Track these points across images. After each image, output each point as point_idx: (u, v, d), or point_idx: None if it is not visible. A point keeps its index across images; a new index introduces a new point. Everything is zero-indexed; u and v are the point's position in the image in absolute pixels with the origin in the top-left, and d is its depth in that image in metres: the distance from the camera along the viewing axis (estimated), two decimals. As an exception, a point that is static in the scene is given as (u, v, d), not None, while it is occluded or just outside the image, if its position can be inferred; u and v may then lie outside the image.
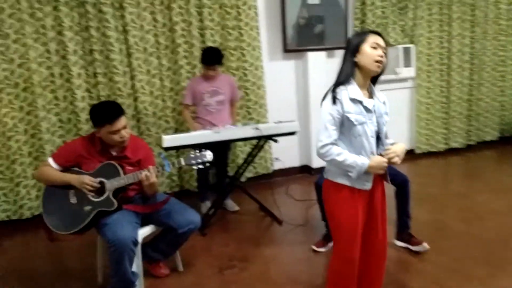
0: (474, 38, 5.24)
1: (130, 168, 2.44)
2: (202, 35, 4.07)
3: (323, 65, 4.49)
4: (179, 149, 3.46)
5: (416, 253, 2.81)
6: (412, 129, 5.34)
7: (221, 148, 3.61)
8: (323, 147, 1.75)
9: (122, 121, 2.36)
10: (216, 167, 3.71)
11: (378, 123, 1.83)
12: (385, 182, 1.95)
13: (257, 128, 3.18)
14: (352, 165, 1.74)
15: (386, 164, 1.80)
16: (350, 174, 1.76)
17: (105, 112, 2.34)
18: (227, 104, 3.62)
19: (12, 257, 3.15)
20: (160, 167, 2.36)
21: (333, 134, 1.75)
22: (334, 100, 1.73)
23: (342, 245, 1.87)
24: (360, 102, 1.76)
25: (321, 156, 1.78)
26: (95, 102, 3.43)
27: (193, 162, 2.37)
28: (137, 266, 2.36)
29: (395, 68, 4.97)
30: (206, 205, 3.70)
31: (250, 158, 3.56)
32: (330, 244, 2.92)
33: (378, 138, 1.84)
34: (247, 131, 3.19)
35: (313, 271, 2.67)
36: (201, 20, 4.04)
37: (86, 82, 3.74)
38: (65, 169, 2.40)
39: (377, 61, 1.74)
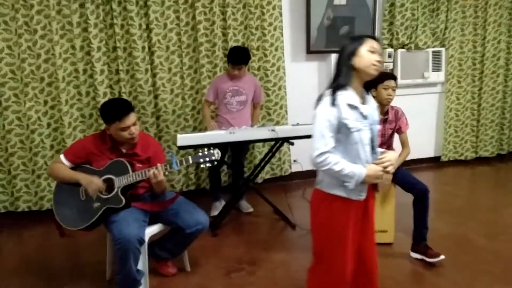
0: (511, 43, 5.00)
1: (140, 165, 2.45)
2: (224, 34, 4.06)
3: (347, 68, 4.38)
4: (195, 148, 3.46)
5: (431, 265, 2.69)
6: (438, 135, 5.15)
7: (237, 149, 3.59)
8: (320, 155, 1.66)
9: (132, 117, 2.37)
10: (232, 168, 3.70)
11: (371, 130, 1.76)
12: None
13: (273, 130, 3.14)
14: (349, 174, 1.66)
15: (381, 173, 1.72)
16: (347, 184, 1.68)
17: (115, 109, 2.36)
18: (248, 105, 3.59)
19: (29, 247, 3.26)
20: (168, 165, 2.36)
21: (330, 141, 1.67)
22: (334, 103, 1.66)
23: (333, 260, 1.78)
24: (357, 108, 1.70)
25: (317, 165, 1.69)
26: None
27: (201, 160, 2.36)
28: (143, 264, 2.37)
29: (423, 72, 4.79)
30: (218, 205, 3.69)
31: (266, 159, 3.52)
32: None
33: (371, 146, 1.78)
34: (263, 132, 3.15)
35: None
36: (224, 19, 4.03)
37: (108, 79, 3.80)
38: (76, 165, 2.44)
39: (374, 65, 1.67)
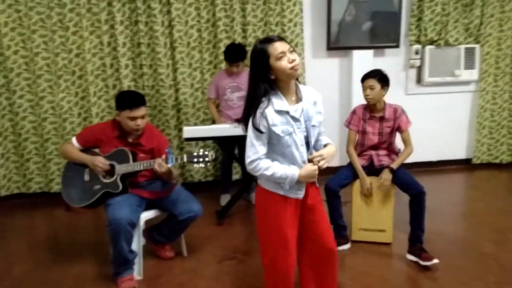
0: (556, 39, 4.64)
1: (143, 155, 2.64)
2: (244, 31, 4.16)
3: (369, 65, 4.28)
4: (202, 141, 3.61)
5: (426, 269, 2.63)
6: (471, 137, 4.90)
7: (243, 143, 3.66)
8: (251, 163, 1.72)
9: (141, 110, 2.57)
10: (239, 161, 3.80)
11: (306, 127, 1.76)
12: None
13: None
14: (282, 177, 1.70)
15: (317, 172, 1.74)
16: (282, 185, 1.73)
17: (129, 98, 2.58)
18: None
19: (40, 226, 3.60)
20: (165, 159, 2.52)
21: (260, 149, 1.71)
22: (261, 114, 1.68)
23: (274, 257, 1.81)
24: (287, 112, 1.70)
25: (250, 171, 1.76)
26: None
27: (194, 160, 2.49)
28: (137, 245, 2.56)
29: (454, 69, 4.59)
30: (226, 197, 3.82)
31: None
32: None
33: (308, 144, 1.78)
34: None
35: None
36: (244, 16, 4.12)
37: (132, 73, 4.05)
38: (85, 148, 2.68)
39: (292, 68, 1.65)
